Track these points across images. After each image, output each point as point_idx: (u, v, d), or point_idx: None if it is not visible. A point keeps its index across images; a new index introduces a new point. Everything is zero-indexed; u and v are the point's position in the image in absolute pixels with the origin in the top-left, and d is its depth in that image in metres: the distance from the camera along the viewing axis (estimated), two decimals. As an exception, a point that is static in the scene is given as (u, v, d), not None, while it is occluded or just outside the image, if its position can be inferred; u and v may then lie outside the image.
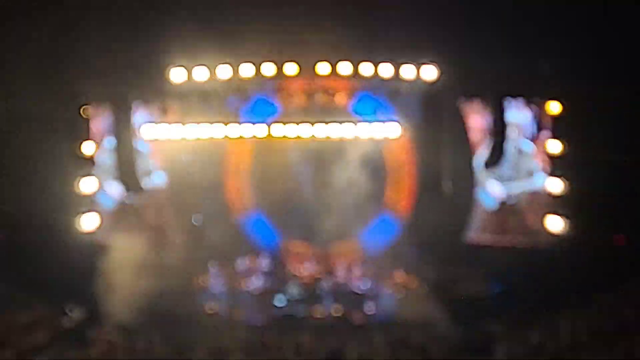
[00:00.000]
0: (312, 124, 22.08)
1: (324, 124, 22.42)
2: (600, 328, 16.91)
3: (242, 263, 24.01)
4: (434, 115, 19.61)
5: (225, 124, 22.31)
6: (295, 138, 22.39)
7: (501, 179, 24.25)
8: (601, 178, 22.12)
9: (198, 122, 22.81)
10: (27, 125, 22.19)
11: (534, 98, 23.72)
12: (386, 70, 21.50)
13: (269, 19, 21.15)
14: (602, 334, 16.52)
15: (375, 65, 21.77)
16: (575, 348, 16.23)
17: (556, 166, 23.85)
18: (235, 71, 21.71)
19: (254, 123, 22.49)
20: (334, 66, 22.29)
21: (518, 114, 23.96)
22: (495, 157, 21.19)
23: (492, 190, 24.55)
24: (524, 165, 24.11)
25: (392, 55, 21.93)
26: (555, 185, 23.78)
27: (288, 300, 22.15)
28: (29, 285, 21.58)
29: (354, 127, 22.32)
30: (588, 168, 22.73)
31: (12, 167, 22.62)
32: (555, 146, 23.61)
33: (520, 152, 24.11)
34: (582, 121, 22.75)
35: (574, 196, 23.35)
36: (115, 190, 24.25)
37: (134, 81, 20.88)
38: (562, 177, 23.69)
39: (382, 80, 21.58)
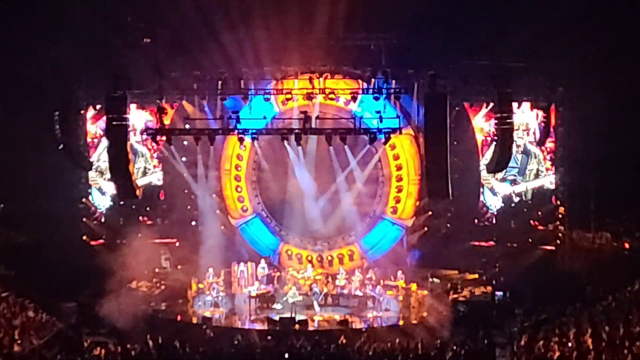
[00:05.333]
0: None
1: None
2: (606, 332, 16.69)
3: (241, 267, 23.76)
4: (439, 117, 19.42)
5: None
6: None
7: (507, 181, 24.15)
8: (604, 179, 22.08)
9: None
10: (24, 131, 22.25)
11: (540, 101, 23.76)
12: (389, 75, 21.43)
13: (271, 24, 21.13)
14: (607, 338, 16.31)
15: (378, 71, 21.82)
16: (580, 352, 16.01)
17: (560, 168, 23.93)
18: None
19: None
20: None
21: (524, 117, 23.95)
22: (501, 160, 21.03)
23: (497, 192, 24.45)
24: (530, 167, 23.99)
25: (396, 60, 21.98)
26: (560, 187, 23.88)
27: (288, 304, 21.88)
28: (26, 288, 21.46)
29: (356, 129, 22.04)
30: (591, 170, 22.70)
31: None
32: (559, 148, 23.68)
33: (526, 154, 24.02)
34: (585, 123, 22.76)
35: (577, 198, 23.36)
36: (110, 191, 24.16)
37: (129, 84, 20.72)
38: (566, 179, 23.75)
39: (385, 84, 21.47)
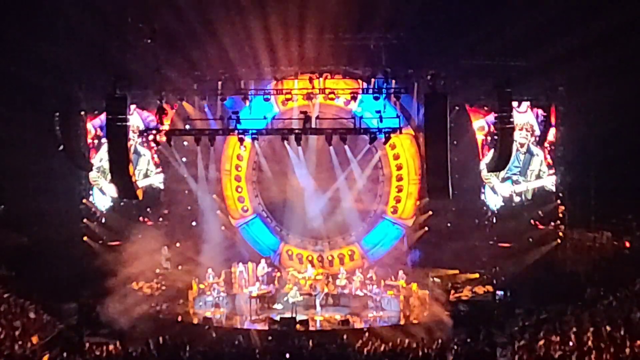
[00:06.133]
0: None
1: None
2: (606, 331, 16.69)
3: (241, 268, 23.76)
4: (439, 117, 19.43)
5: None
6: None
7: (509, 180, 24.17)
8: (604, 179, 22.09)
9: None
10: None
11: (540, 101, 23.76)
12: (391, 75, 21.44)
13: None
14: (608, 337, 16.30)
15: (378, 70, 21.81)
16: (581, 352, 16.01)
17: (560, 167, 23.94)
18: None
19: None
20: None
21: (528, 117, 23.96)
22: (501, 159, 21.04)
23: (498, 191, 24.46)
24: (531, 167, 24.00)
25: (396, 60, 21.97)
26: (560, 186, 23.90)
27: (289, 305, 21.88)
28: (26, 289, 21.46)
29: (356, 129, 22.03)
30: (591, 170, 22.71)
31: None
32: (559, 148, 23.68)
33: (527, 154, 24.02)
34: (585, 123, 22.75)
35: (578, 197, 23.36)
36: (111, 192, 24.17)
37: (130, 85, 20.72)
38: (566, 178, 23.77)
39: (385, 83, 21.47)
